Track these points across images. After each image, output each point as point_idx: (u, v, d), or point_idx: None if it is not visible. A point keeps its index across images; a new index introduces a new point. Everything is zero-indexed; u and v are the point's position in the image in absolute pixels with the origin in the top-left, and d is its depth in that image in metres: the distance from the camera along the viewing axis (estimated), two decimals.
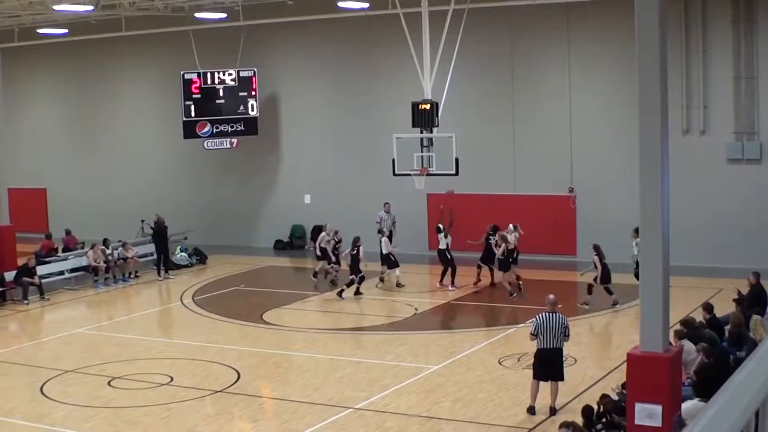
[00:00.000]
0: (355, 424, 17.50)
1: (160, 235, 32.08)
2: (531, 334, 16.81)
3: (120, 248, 32.08)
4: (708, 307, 19.21)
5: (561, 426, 13.64)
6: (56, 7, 29.66)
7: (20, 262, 30.20)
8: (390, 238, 29.80)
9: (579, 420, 14.35)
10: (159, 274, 31.81)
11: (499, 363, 20.66)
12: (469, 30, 27.83)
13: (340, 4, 30.31)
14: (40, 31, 36.89)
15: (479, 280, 27.82)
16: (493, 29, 31.42)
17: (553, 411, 16.64)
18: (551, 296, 17.24)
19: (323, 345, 23.00)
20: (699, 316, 19.06)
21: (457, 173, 27.32)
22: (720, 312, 19.57)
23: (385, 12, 29.31)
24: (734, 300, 20.59)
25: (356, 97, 34.53)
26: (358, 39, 34.08)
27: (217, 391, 19.33)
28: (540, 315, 16.78)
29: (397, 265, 28.50)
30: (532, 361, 16.99)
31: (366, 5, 30.25)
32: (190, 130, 34.70)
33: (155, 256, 32.37)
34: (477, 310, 26.80)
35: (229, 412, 18.33)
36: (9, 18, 33.56)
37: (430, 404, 18.38)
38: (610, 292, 24.28)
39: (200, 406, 18.52)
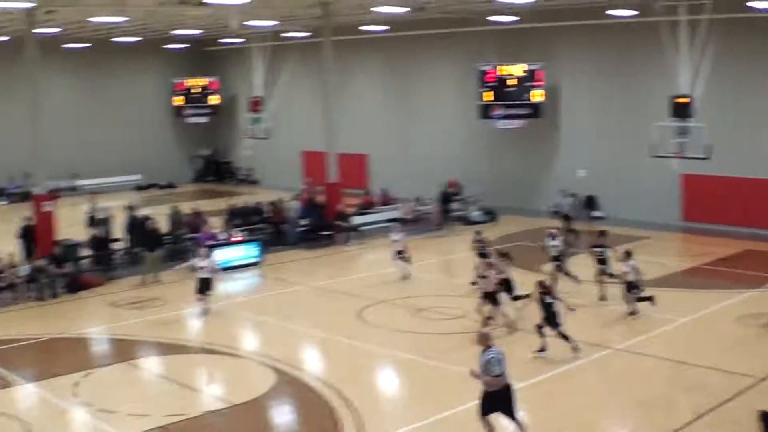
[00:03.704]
0: (616, 362, 19.26)
1: (446, 199, 36.30)
2: (495, 376, 14.42)
3: (432, 204, 36.52)
4: None
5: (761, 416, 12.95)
6: (375, 9, 33.87)
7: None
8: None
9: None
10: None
11: (740, 321, 21.90)
12: (721, 39, 29.98)
13: (608, 12, 32.94)
14: (363, 27, 41.48)
15: None
16: (746, 39, 32.30)
17: None
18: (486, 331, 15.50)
19: (596, 293, 23.93)
20: None
21: (708, 158, 29.91)
22: None
23: (648, 19, 31.90)
24: None
25: (623, 90, 36.81)
26: (625, 41, 36.17)
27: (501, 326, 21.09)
28: (497, 352, 14.59)
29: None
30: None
31: (634, 13, 32.70)
32: (484, 112, 38.84)
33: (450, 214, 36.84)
34: (722, 274, 27.77)
35: (518, 341, 19.97)
36: (341, 17, 37.75)
37: (679, 351, 19.68)
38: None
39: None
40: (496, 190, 40.05)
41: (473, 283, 23.68)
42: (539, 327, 19.75)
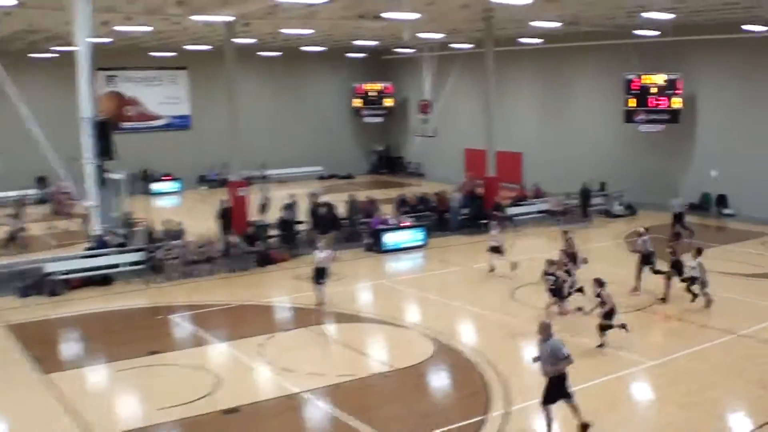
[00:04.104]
0: (736, 346, 18.95)
1: (586, 195, 36.36)
2: (566, 356, 13.93)
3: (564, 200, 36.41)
4: None
5: None
6: (532, 23, 34.20)
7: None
8: None
9: None
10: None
11: None
12: None
13: (743, 26, 32.05)
14: (521, 40, 41.82)
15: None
16: None
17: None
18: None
19: (727, 288, 23.44)
20: None
21: None
22: None
23: None
24: None
25: (755, 99, 35.36)
26: (758, 55, 34.80)
27: (643, 308, 21.75)
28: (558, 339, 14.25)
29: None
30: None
31: (766, 28, 31.74)
32: (628, 117, 38.39)
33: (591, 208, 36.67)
34: None
35: (653, 325, 20.38)
36: (501, 31, 38.01)
37: None
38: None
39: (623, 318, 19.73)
40: (638, 187, 39.58)
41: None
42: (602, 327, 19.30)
